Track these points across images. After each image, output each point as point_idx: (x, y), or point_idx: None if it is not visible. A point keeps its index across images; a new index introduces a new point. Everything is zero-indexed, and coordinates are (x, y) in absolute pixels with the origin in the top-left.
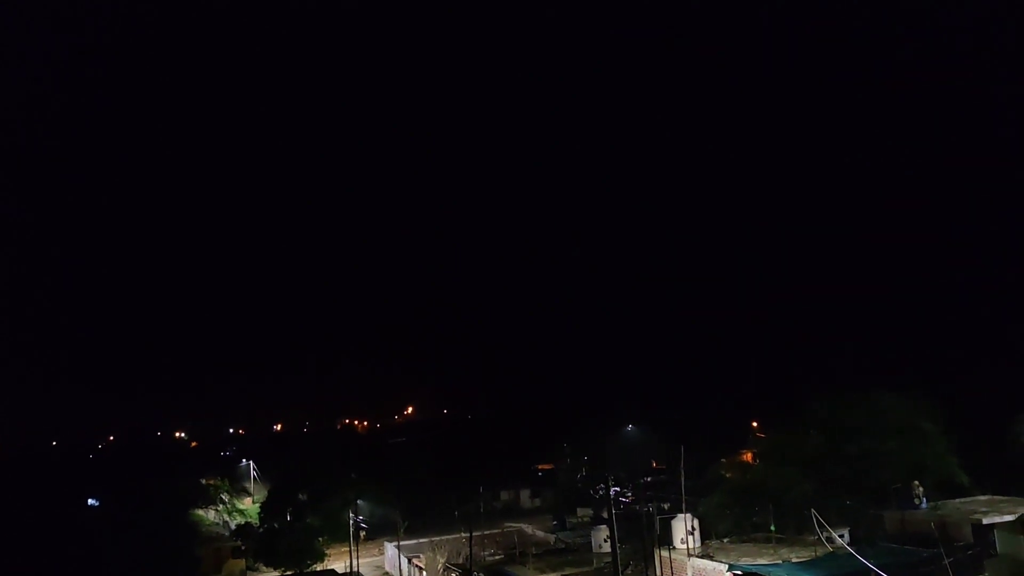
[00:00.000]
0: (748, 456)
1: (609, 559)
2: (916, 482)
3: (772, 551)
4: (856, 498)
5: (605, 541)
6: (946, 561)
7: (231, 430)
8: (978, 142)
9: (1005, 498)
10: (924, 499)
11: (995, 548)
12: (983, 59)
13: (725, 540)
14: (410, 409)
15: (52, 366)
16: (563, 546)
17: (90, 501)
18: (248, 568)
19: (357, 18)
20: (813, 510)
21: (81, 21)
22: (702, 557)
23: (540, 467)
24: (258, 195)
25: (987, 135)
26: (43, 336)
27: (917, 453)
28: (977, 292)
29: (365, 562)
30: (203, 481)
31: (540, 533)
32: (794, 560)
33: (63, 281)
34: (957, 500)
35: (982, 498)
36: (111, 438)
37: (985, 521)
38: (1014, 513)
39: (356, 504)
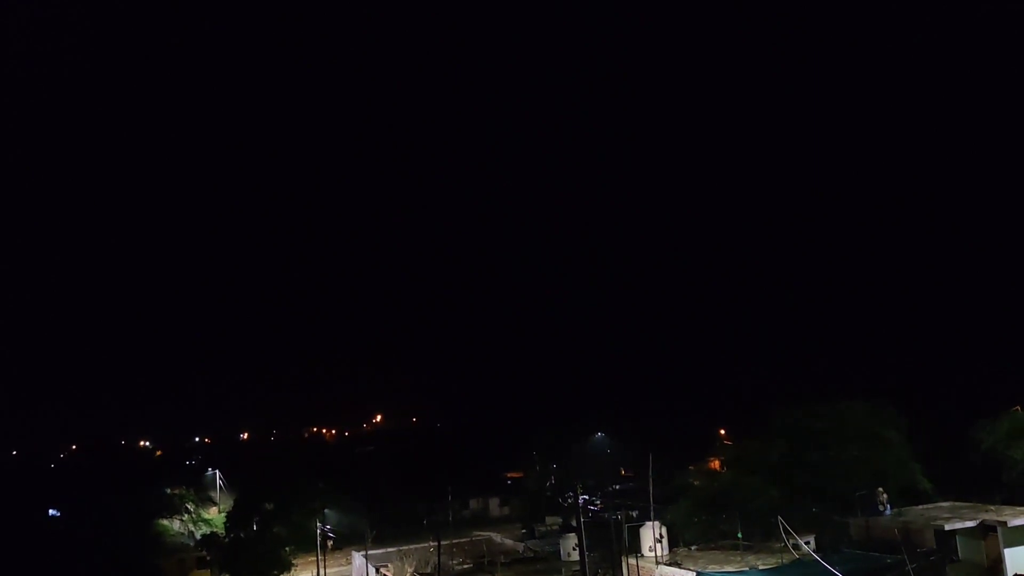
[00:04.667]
0: (716, 464)
1: (578, 567)
2: (880, 489)
3: (739, 558)
4: (821, 505)
5: (574, 549)
6: (909, 567)
7: (197, 439)
8: (950, 156)
9: (967, 504)
10: (888, 506)
11: (957, 554)
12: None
13: (693, 548)
14: (379, 417)
15: (12, 374)
16: (532, 555)
17: (51, 512)
18: None
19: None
20: (780, 517)
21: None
22: (670, 565)
23: (509, 475)
24: (223, 204)
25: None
26: (2, 343)
27: (880, 460)
28: (937, 302)
29: (332, 572)
30: (168, 490)
31: (509, 542)
32: (761, 567)
33: (24, 287)
34: (920, 507)
35: (944, 504)
36: (73, 447)
37: (947, 527)
38: (975, 519)
39: (323, 513)
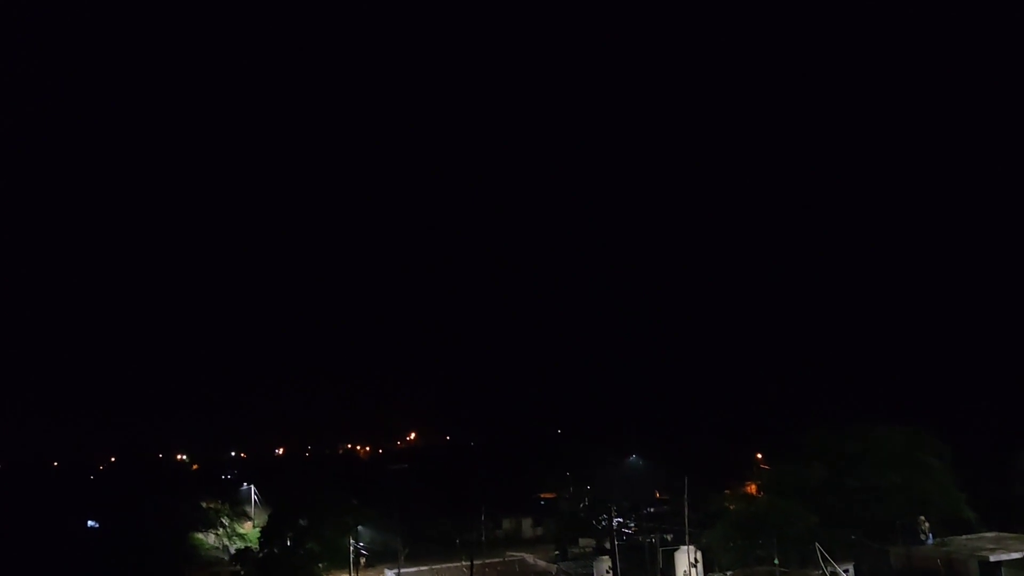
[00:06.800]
0: (752, 488)
1: None
2: (922, 517)
3: None
4: (860, 532)
5: (607, 572)
6: None
7: (232, 453)
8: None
9: (1012, 535)
10: (930, 535)
11: None
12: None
13: (728, 573)
14: (412, 435)
15: (55, 386)
16: None
17: (90, 523)
18: None
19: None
20: (817, 544)
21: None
22: None
23: (542, 496)
24: (253, 212)
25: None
26: (46, 355)
27: (921, 487)
28: (980, 324)
29: None
30: (203, 504)
31: (542, 563)
32: None
33: (65, 300)
34: (963, 536)
35: (989, 535)
36: (112, 459)
37: (992, 558)
38: (1021, 551)
39: (356, 530)
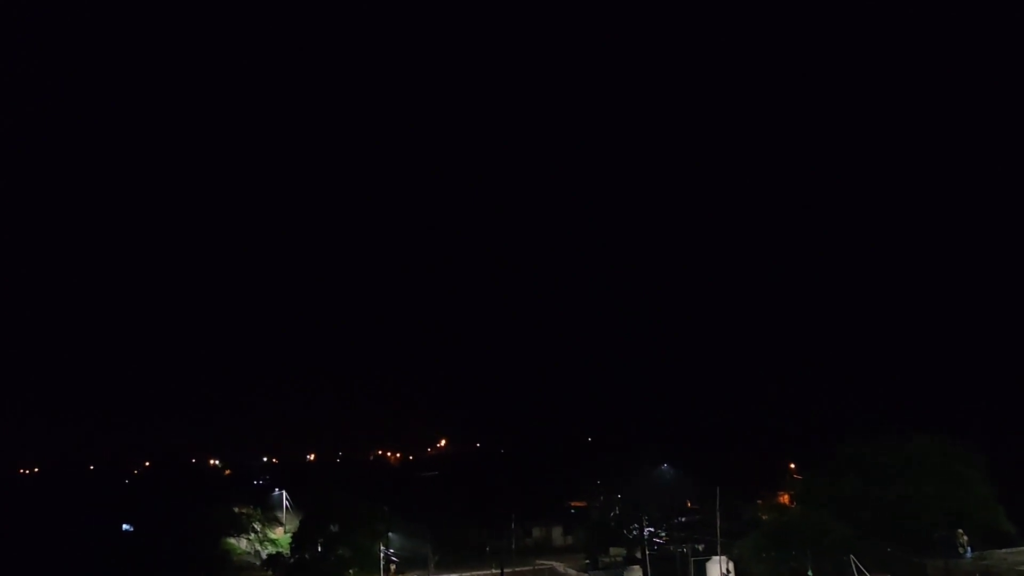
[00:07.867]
0: (785, 498)
1: None
2: (960, 530)
3: None
4: (896, 544)
5: None
6: None
7: (264, 459)
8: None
9: None
10: (969, 548)
11: None
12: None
13: None
14: (443, 442)
15: (92, 392)
16: None
17: (124, 526)
18: None
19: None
20: (852, 556)
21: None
22: None
23: (573, 504)
24: (286, 214)
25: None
26: (82, 362)
27: (958, 499)
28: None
29: None
30: (236, 509)
31: (572, 572)
32: None
33: (100, 308)
34: (1003, 550)
35: None
36: (147, 464)
37: None
38: None
39: (387, 536)
